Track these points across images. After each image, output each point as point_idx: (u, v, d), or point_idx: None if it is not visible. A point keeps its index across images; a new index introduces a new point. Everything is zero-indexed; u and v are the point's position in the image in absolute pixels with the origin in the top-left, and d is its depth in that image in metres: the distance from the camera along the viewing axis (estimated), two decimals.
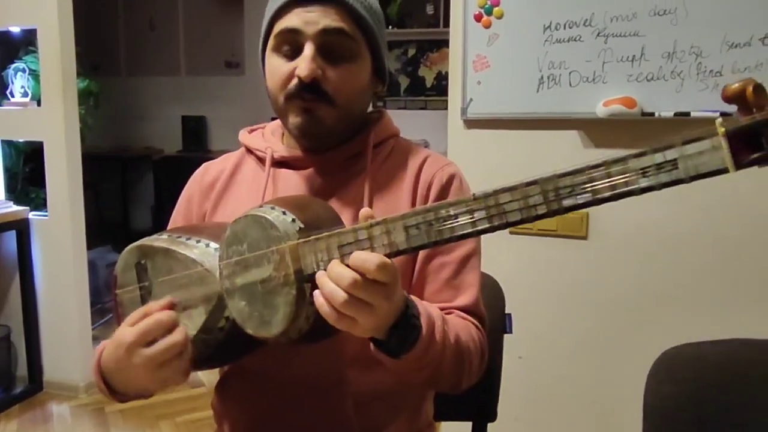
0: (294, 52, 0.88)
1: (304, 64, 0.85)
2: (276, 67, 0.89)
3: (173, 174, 4.86)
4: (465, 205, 0.59)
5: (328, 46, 0.87)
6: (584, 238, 1.90)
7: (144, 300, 0.86)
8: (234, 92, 5.08)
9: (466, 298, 0.92)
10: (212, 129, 5.26)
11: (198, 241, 0.84)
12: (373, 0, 0.93)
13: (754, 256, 1.74)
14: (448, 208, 0.60)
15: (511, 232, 1.93)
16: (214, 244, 0.82)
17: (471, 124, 1.96)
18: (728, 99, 0.49)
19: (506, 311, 1.21)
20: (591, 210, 1.85)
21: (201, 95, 5.23)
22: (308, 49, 0.86)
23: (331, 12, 0.87)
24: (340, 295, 0.65)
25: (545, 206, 0.53)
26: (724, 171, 0.48)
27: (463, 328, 0.87)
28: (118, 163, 5.23)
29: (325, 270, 0.68)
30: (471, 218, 0.58)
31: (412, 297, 0.78)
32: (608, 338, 1.91)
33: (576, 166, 0.51)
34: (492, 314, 0.98)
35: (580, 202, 0.51)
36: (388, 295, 0.67)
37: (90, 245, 2.89)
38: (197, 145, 5.15)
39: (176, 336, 0.75)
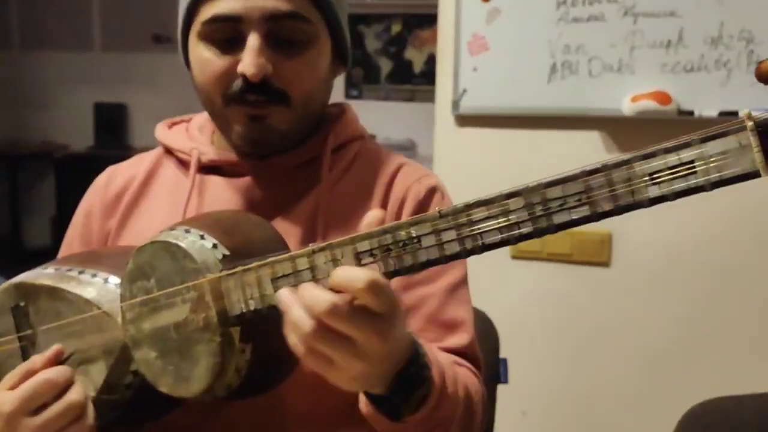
0: (231, 42, 0.86)
1: (250, 59, 0.83)
2: (207, 62, 0.88)
3: (82, 177, 4.71)
4: (429, 225, 0.59)
5: (278, 32, 0.86)
6: (606, 265, 1.92)
7: (25, 353, 0.85)
8: (163, 74, 5.04)
9: (459, 338, 0.92)
10: (134, 120, 5.24)
11: (94, 275, 0.83)
12: None
13: None
14: (408, 228, 0.60)
15: (512, 257, 1.94)
16: (114, 279, 0.81)
17: (464, 121, 1.99)
18: (764, 78, 0.49)
19: (501, 356, 1.23)
20: (615, 229, 1.88)
21: (120, 77, 5.21)
22: (253, 39, 0.84)
23: None
24: (307, 324, 0.61)
25: (531, 223, 0.53)
26: (754, 175, 0.48)
27: (467, 377, 0.87)
28: (7, 162, 5.17)
29: (261, 309, 0.67)
30: (438, 240, 0.58)
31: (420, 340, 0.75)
32: (631, 390, 1.92)
33: (569, 172, 0.52)
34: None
35: (575, 217, 0.52)
36: (380, 330, 0.63)
37: None
38: (114, 140, 5.14)
39: (72, 396, 0.74)
